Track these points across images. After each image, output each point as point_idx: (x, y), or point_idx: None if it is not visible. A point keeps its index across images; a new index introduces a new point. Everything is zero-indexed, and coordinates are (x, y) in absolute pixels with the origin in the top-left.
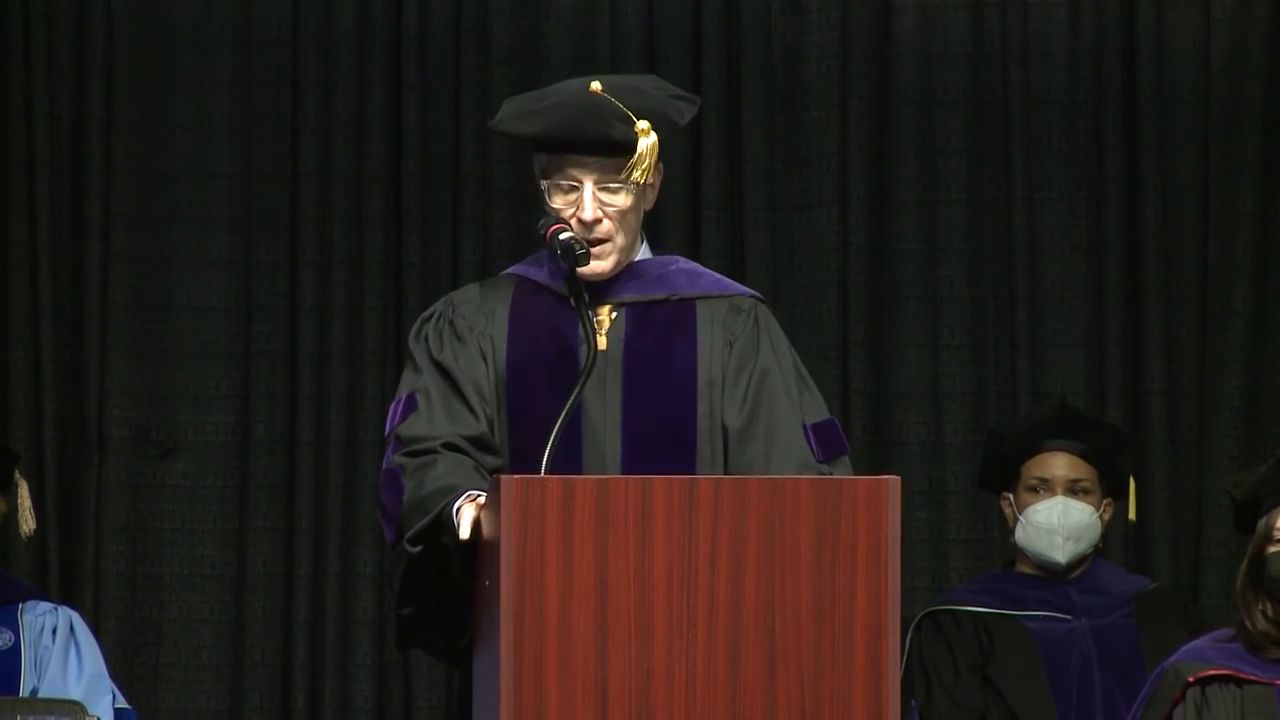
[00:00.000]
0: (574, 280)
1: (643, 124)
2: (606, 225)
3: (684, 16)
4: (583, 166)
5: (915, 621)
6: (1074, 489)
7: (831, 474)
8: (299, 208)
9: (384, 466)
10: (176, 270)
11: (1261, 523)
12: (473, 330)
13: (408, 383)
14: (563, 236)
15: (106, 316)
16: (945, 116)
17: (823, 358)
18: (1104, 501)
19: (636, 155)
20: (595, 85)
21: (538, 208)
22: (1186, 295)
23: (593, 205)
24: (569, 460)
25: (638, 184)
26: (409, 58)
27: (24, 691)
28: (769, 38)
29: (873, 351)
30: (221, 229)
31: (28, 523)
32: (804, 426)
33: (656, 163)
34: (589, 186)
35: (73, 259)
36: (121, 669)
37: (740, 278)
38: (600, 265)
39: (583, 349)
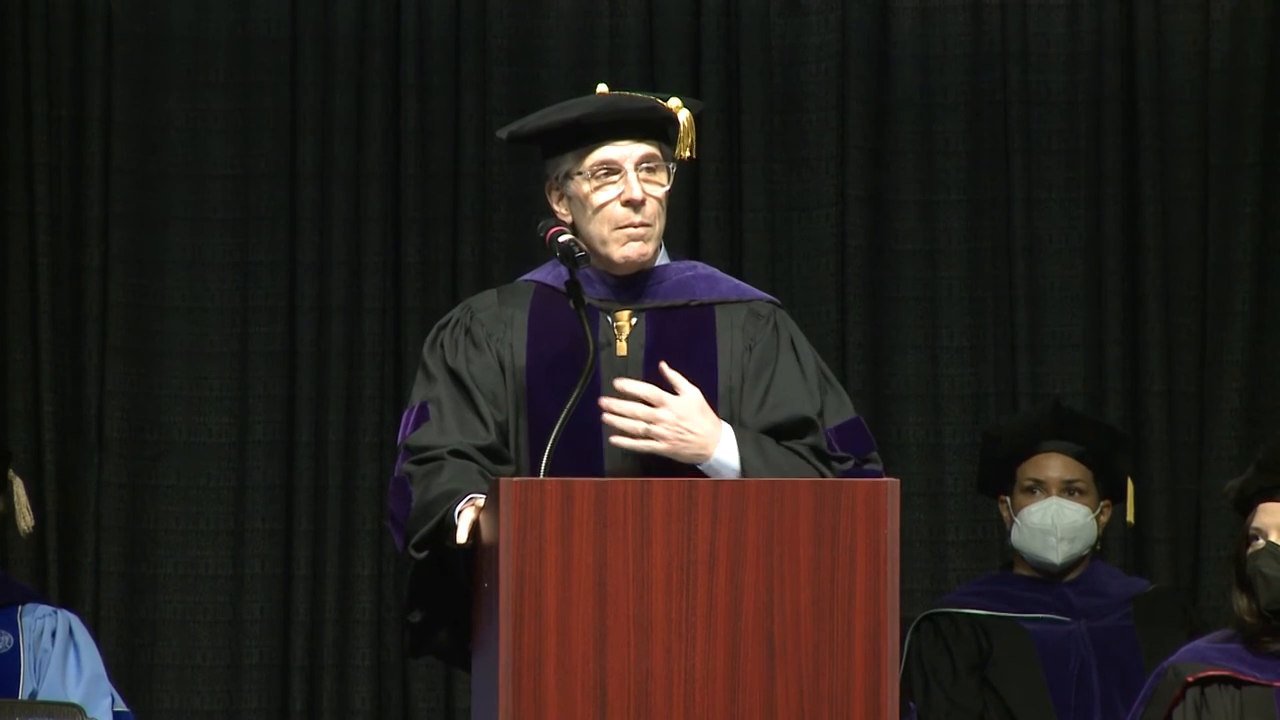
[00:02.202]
0: (574, 283)
1: (675, 101)
2: (651, 207)
3: (683, 18)
4: (620, 148)
5: (914, 624)
6: (1069, 490)
7: (834, 453)
8: (297, 208)
9: (394, 475)
10: (175, 271)
11: (1245, 522)
12: (491, 337)
13: (420, 392)
14: (562, 239)
15: (105, 317)
16: (944, 117)
17: (822, 358)
18: (1101, 503)
19: (680, 129)
20: (602, 87)
21: (536, 209)
22: (1186, 295)
23: (639, 185)
24: (592, 465)
25: (675, 164)
26: (408, 58)
27: (23, 694)
28: (768, 39)
29: (871, 353)
30: (220, 230)
31: (25, 520)
32: (818, 418)
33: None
34: (630, 168)
35: (71, 260)
36: (120, 670)
37: (739, 279)
38: (646, 250)
39: (604, 353)
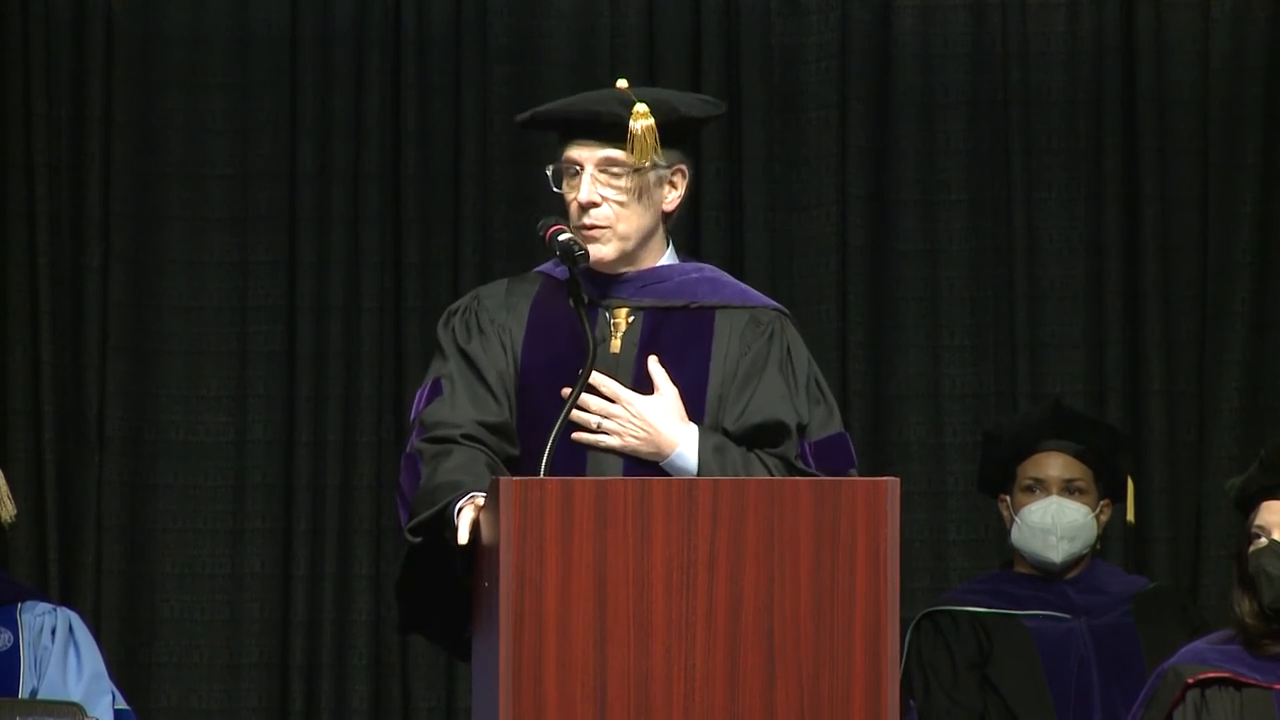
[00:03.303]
0: (574, 281)
1: (640, 107)
2: (605, 211)
3: (683, 17)
4: (582, 150)
5: (914, 622)
6: (1069, 489)
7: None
8: (297, 208)
9: (406, 451)
10: (174, 271)
11: (1247, 521)
12: (495, 324)
13: (435, 369)
14: (561, 238)
15: (105, 317)
16: (945, 117)
17: (822, 359)
18: (1101, 502)
19: (631, 135)
20: (622, 82)
21: (536, 208)
22: (1186, 295)
23: (590, 188)
24: (573, 461)
25: (639, 168)
26: (407, 58)
27: (23, 692)
28: (768, 38)
29: (872, 352)
30: (219, 230)
31: (7, 510)
32: (798, 427)
33: (671, 159)
34: (589, 169)
35: (71, 260)
36: (120, 669)
37: (739, 278)
38: (601, 251)
39: (599, 349)
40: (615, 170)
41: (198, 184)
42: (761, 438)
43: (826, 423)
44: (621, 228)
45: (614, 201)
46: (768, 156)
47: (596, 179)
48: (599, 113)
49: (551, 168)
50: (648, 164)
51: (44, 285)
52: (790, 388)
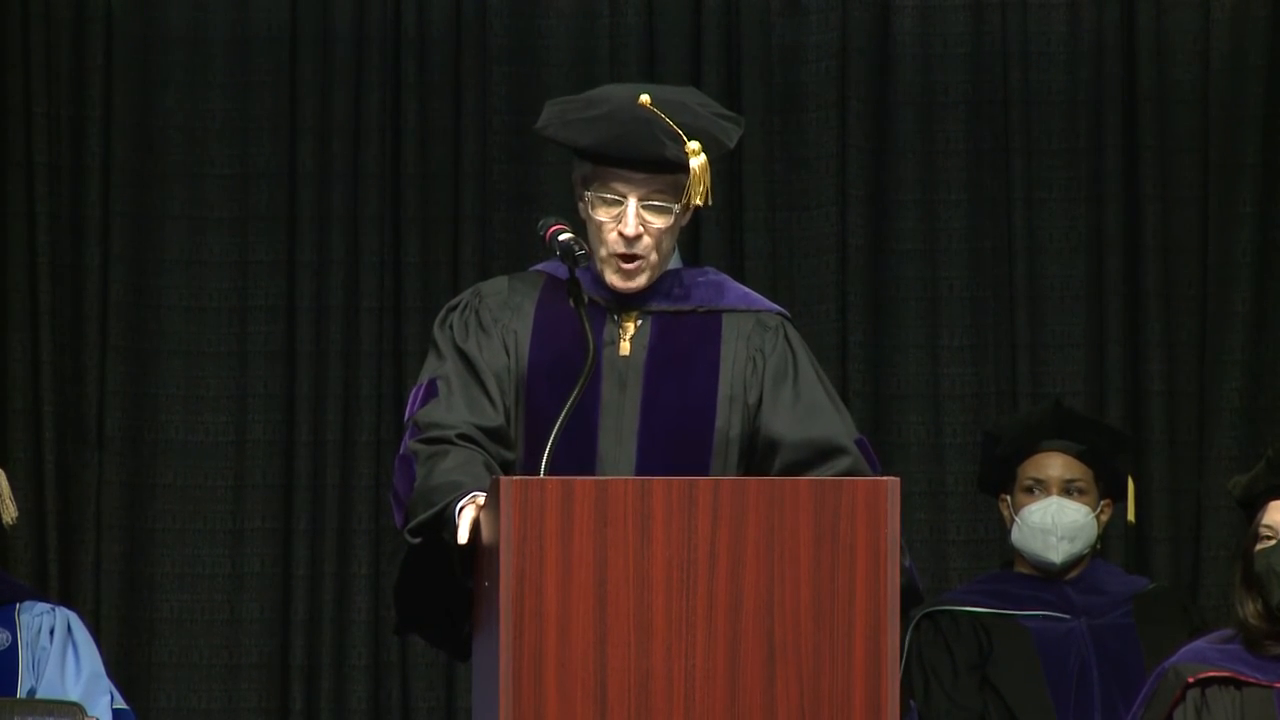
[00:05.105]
0: (574, 280)
1: (693, 144)
2: (646, 241)
3: (683, 16)
4: (629, 182)
5: (914, 622)
6: (1069, 489)
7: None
8: (297, 208)
9: (399, 452)
10: (174, 270)
11: (1253, 520)
12: (497, 323)
13: (430, 369)
14: (562, 238)
15: (105, 317)
16: (945, 117)
17: (822, 359)
18: (1101, 502)
19: (691, 177)
20: (645, 98)
21: (537, 208)
22: (1186, 295)
23: (635, 221)
24: (583, 463)
25: (685, 205)
26: (407, 58)
27: (22, 692)
28: (768, 38)
29: (872, 352)
30: (219, 229)
31: (9, 512)
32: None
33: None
34: (633, 202)
35: (71, 260)
36: (119, 669)
37: (740, 278)
38: (633, 282)
39: (606, 351)
40: (658, 204)
41: (198, 184)
42: (824, 458)
43: (851, 427)
44: (654, 257)
45: (654, 230)
46: (768, 156)
47: (640, 212)
48: (662, 156)
49: (588, 194)
50: (703, 203)
51: (44, 285)
52: (828, 395)
